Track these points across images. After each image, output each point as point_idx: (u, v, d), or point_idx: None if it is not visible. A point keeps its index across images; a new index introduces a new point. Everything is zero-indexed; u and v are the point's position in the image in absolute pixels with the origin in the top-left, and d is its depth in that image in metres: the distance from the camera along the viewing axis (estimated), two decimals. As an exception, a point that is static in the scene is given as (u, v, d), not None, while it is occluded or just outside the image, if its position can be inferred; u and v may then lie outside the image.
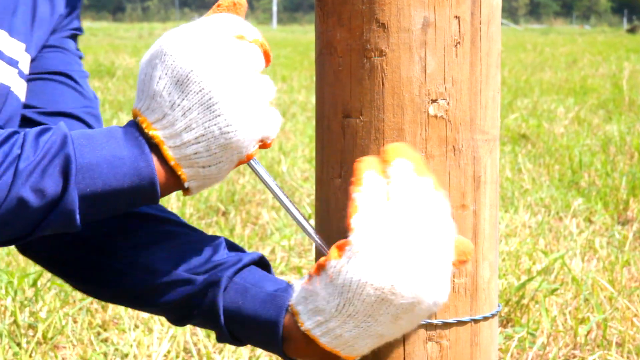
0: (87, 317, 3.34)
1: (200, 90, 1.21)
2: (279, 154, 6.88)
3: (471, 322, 1.36)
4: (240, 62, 1.24)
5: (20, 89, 1.40)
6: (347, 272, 1.22)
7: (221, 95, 1.21)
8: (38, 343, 3.13)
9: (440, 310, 1.34)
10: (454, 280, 1.35)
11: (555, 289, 3.59)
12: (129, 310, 3.39)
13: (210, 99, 1.21)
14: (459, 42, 1.32)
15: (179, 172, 1.24)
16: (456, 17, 1.32)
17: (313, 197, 5.24)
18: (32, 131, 1.22)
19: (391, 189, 1.24)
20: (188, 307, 1.39)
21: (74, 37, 1.57)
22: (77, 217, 1.22)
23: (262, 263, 1.42)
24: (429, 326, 1.34)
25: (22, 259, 4.07)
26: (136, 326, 3.29)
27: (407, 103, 1.32)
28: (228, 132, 1.22)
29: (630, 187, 5.52)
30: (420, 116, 1.32)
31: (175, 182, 1.25)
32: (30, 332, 3.23)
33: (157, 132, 1.23)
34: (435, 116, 1.32)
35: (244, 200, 5.37)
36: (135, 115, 1.26)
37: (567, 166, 6.34)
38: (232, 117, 1.22)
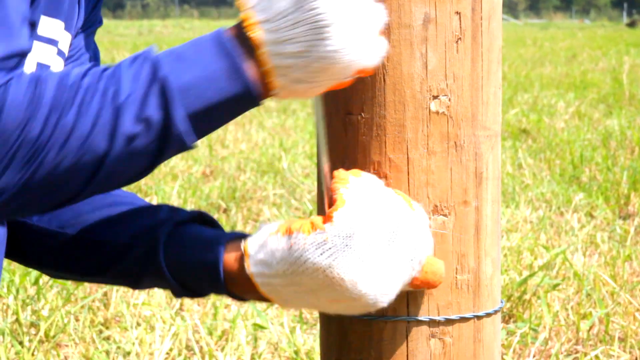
0: (89, 315, 3.34)
1: (314, 9, 1.18)
2: (279, 151, 6.88)
3: (474, 318, 1.36)
4: None
5: (59, 68, 1.40)
6: (307, 253, 1.24)
7: (333, 19, 1.19)
8: (40, 341, 3.13)
9: (443, 307, 1.34)
10: (456, 277, 1.35)
11: (557, 284, 3.59)
12: (131, 308, 3.39)
13: (322, 20, 1.18)
14: (460, 38, 1.32)
15: (270, 79, 1.21)
16: (457, 12, 1.32)
17: (314, 193, 5.24)
18: (123, 63, 1.20)
19: (367, 195, 1.26)
20: (135, 271, 1.40)
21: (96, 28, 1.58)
22: (190, 137, 1.19)
23: (204, 219, 1.43)
24: (431, 323, 1.34)
25: (23, 257, 4.07)
26: (138, 324, 3.29)
27: (409, 99, 1.31)
28: (331, 57, 1.19)
29: (631, 182, 5.52)
30: (421, 112, 1.32)
31: (265, 88, 1.22)
32: (33, 331, 3.23)
33: (260, 33, 1.20)
34: (437, 112, 1.32)
35: (245, 197, 5.37)
36: (242, 9, 1.22)
37: (568, 161, 6.34)
38: (340, 44, 1.19)
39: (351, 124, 1.34)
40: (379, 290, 1.26)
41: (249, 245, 1.31)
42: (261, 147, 7.17)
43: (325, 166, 1.32)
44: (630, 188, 5.39)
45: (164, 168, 6.26)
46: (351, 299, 1.26)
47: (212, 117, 1.21)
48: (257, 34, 1.20)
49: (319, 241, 1.24)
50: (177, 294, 1.40)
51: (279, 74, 1.20)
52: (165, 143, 1.18)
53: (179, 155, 6.78)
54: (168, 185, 5.66)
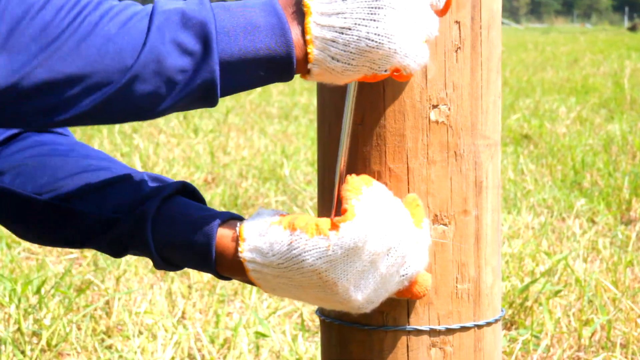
0: (91, 323, 3.34)
1: None
2: (281, 157, 6.88)
3: (475, 327, 1.36)
4: None
5: None
6: (307, 254, 1.24)
7: (389, 4, 1.18)
8: (42, 350, 3.13)
9: (443, 316, 1.34)
10: (457, 286, 1.35)
11: (559, 291, 3.59)
12: (133, 316, 3.39)
13: (378, 1, 1.17)
14: (459, 47, 1.32)
15: (309, 50, 1.18)
16: (456, 22, 1.32)
17: (316, 200, 5.25)
18: None
19: (376, 210, 1.25)
20: (120, 244, 1.38)
21: None
22: (219, 84, 1.16)
23: (187, 190, 1.42)
24: (432, 332, 1.34)
25: (25, 265, 4.08)
26: (140, 332, 3.29)
27: (409, 109, 1.32)
28: (375, 41, 1.17)
29: (633, 187, 5.52)
30: (421, 122, 1.32)
31: (301, 58, 1.19)
32: (35, 340, 3.23)
33: (311, 1, 1.18)
34: (437, 122, 1.32)
35: (247, 204, 5.37)
36: None
37: (570, 166, 6.34)
38: (388, 30, 1.17)
39: (351, 134, 1.34)
40: (368, 299, 1.27)
41: (245, 230, 1.29)
42: (263, 153, 7.17)
43: (342, 166, 1.31)
44: (631, 193, 5.39)
45: (166, 175, 6.26)
46: (338, 301, 1.27)
47: (241, 70, 1.17)
48: (309, 1, 1.18)
49: (321, 247, 1.24)
50: (159, 267, 1.38)
51: (319, 46, 1.18)
52: (193, 79, 1.14)
53: (181, 162, 6.79)
54: (170, 192, 5.65)
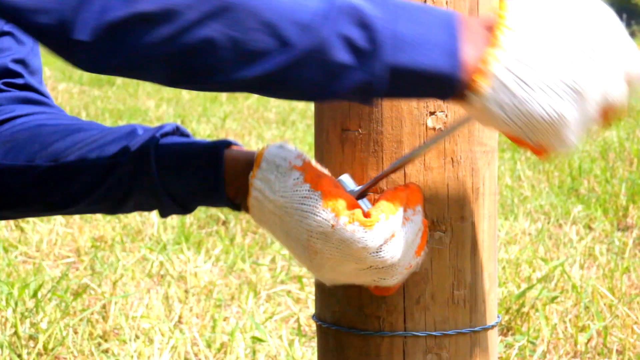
0: (87, 327, 3.34)
1: (576, 75, 1.09)
2: (278, 163, 6.88)
3: (471, 333, 1.37)
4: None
5: None
6: (311, 217, 1.22)
7: (582, 95, 1.09)
8: (39, 354, 3.13)
9: (440, 322, 1.35)
10: (453, 292, 1.35)
11: (556, 297, 3.59)
12: (130, 320, 3.39)
13: (577, 85, 1.08)
14: (456, 54, 1.33)
15: (477, 79, 1.09)
16: (454, 29, 1.32)
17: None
18: None
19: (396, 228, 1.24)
20: (120, 189, 1.34)
21: None
22: (379, 88, 1.10)
23: (180, 132, 1.39)
24: (428, 338, 1.34)
25: (22, 269, 4.08)
26: (137, 337, 3.29)
27: (406, 115, 1.32)
28: (551, 117, 1.09)
29: (630, 194, 5.53)
30: (418, 128, 1.32)
31: (465, 84, 1.10)
32: (31, 343, 3.23)
33: (505, 38, 1.09)
34: (434, 128, 1.32)
35: (244, 209, 5.37)
36: (500, 8, 1.12)
37: (567, 173, 6.35)
38: (567, 112, 1.09)
39: (348, 140, 1.34)
40: (328, 278, 1.28)
41: (265, 156, 1.26)
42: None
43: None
44: (628, 200, 5.40)
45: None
46: (303, 262, 1.27)
47: (403, 81, 1.10)
48: (502, 37, 1.09)
49: (327, 222, 1.22)
50: (166, 210, 1.35)
51: (491, 84, 1.09)
52: (355, 74, 1.08)
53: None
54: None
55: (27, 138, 1.41)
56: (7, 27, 1.50)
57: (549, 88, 1.08)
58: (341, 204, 1.23)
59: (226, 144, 1.32)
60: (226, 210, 5.48)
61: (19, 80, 1.51)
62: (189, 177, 1.32)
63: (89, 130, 1.40)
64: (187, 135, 1.39)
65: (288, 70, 1.08)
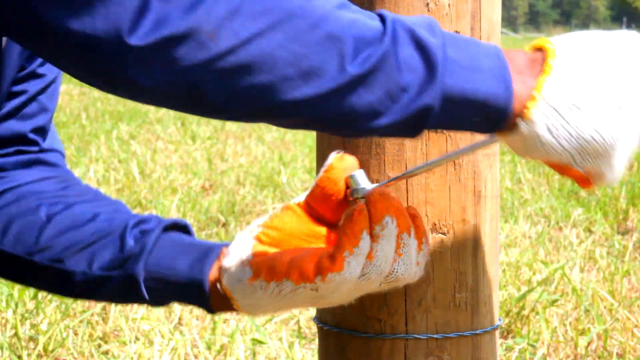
0: (87, 329, 3.34)
1: (610, 139, 1.09)
2: (279, 165, 6.89)
3: (472, 336, 1.37)
4: None
5: None
6: (291, 295, 1.23)
7: (633, 114, 1.09)
8: (39, 356, 3.13)
9: (441, 325, 1.35)
10: (455, 295, 1.35)
11: (556, 300, 3.59)
12: (130, 322, 3.39)
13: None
14: (458, 57, 1.33)
15: (529, 105, 1.08)
16: (456, 32, 1.32)
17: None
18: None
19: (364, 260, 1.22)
20: (108, 296, 1.39)
21: None
22: (435, 113, 1.07)
23: (176, 226, 1.40)
24: (429, 340, 1.34)
25: (22, 271, 4.08)
26: (137, 338, 3.29)
27: (408, 118, 1.32)
28: (602, 138, 1.09)
29: (630, 197, 5.53)
30: (420, 131, 1.32)
31: (516, 113, 1.09)
32: (31, 345, 3.23)
33: (553, 62, 1.09)
34: (435, 131, 1.32)
35: (244, 211, 5.37)
36: (544, 43, 1.12)
37: (567, 176, 6.35)
38: (617, 135, 1.09)
39: (350, 143, 1.34)
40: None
41: (227, 285, 1.28)
42: (260, 161, 7.18)
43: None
44: (628, 203, 5.40)
45: (163, 182, 6.26)
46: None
47: (454, 108, 1.08)
48: (553, 63, 1.09)
49: (306, 289, 1.22)
50: (139, 302, 1.40)
51: (541, 108, 1.08)
52: (414, 99, 1.06)
53: (178, 169, 6.79)
54: (167, 199, 5.67)
55: (23, 225, 1.42)
56: (35, 88, 1.49)
57: (602, 111, 1.08)
58: (307, 271, 1.21)
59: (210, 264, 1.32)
60: (226, 212, 5.47)
61: (33, 148, 1.51)
62: (177, 299, 1.36)
63: (83, 226, 1.40)
64: (183, 227, 1.41)
65: (348, 90, 1.04)
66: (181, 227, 1.41)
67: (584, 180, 1.13)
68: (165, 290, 1.34)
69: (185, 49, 0.98)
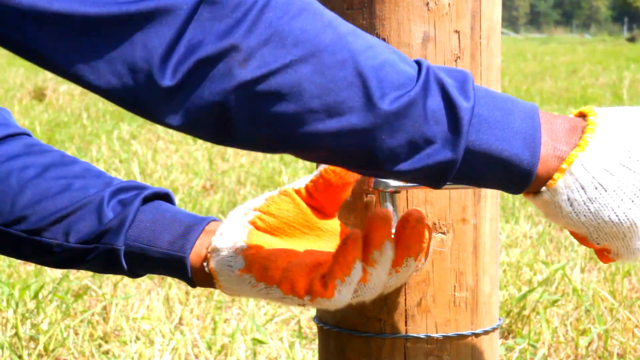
0: (88, 329, 3.34)
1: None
2: (279, 165, 6.89)
3: (472, 336, 1.37)
4: None
5: None
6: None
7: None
8: (39, 355, 3.13)
9: (441, 324, 1.35)
10: (454, 295, 1.35)
11: (556, 300, 3.59)
12: (131, 322, 3.39)
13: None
14: (458, 57, 1.33)
15: (555, 177, 1.08)
16: (456, 31, 1.32)
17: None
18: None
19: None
20: (87, 267, 1.37)
21: None
22: (459, 166, 1.06)
23: (153, 196, 1.37)
24: (429, 340, 1.34)
25: (23, 270, 4.08)
26: (137, 338, 3.29)
27: (408, 118, 1.32)
28: (620, 219, 1.09)
29: (631, 197, 5.52)
30: (420, 130, 1.32)
31: (541, 179, 1.09)
32: (32, 345, 3.23)
33: (590, 139, 1.08)
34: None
35: (245, 211, 5.37)
36: (589, 113, 1.11)
37: (568, 176, 6.35)
38: (636, 218, 1.09)
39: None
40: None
41: (218, 272, 1.26)
42: (261, 161, 7.18)
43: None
44: (629, 204, 5.39)
45: (164, 182, 6.27)
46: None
47: (477, 163, 1.07)
48: (589, 139, 1.08)
49: (294, 302, 1.22)
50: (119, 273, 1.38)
51: (567, 183, 1.09)
52: (437, 152, 1.06)
53: (179, 169, 6.79)
54: (168, 198, 5.66)
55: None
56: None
57: (624, 194, 1.08)
58: (298, 287, 1.21)
59: (194, 242, 1.30)
60: (227, 212, 5.47)
61: None
62: (157, 272, 1.34)
63: (56, 195, 1.37)
64: (165, 197, 1.38)
65: (371, 131, 1.03)
66: (162, 196, 1.37)
67: (602, 255, 1.14)
68: (145, 263, 1.33)
69: (214, 73, 0.99)
